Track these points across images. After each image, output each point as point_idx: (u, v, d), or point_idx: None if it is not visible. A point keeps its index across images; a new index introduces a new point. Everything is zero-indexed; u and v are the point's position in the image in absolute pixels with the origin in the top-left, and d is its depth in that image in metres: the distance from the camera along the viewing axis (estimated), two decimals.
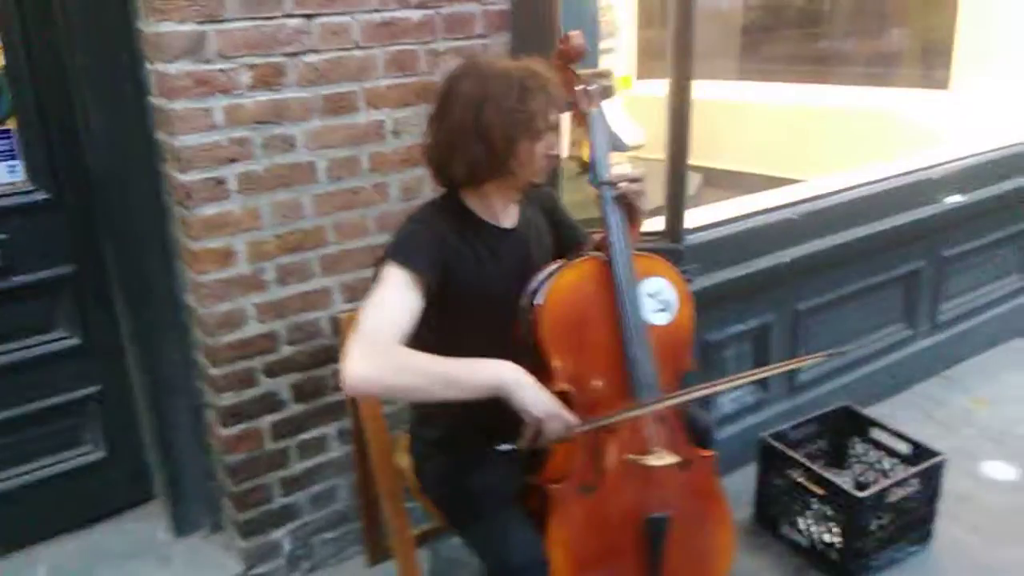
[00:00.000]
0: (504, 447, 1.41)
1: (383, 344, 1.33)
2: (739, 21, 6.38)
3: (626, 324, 1.48)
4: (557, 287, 1.47)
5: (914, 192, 2.91)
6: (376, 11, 1.84)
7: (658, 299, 1.54)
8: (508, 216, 1.57)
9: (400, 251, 1.43)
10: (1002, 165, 3.15)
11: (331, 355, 1.95)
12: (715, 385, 1.50)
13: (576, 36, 1.54)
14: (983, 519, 2.30)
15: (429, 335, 1.42)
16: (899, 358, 2.98)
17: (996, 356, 3.22)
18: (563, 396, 1.42)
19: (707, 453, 1.60)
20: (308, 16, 1.76)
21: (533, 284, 1.51)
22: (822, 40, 6.25)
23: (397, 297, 1.39)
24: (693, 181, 4.17)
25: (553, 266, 1.52)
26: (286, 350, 1.93)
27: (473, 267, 1.49)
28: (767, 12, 6.75)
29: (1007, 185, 3.13)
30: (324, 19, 1.78)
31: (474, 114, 1.41)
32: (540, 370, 1.42)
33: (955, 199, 2.98)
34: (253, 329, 1.87)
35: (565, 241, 1.68)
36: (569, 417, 1.38)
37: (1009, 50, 3.74)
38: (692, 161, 2.30)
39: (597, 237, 1.54)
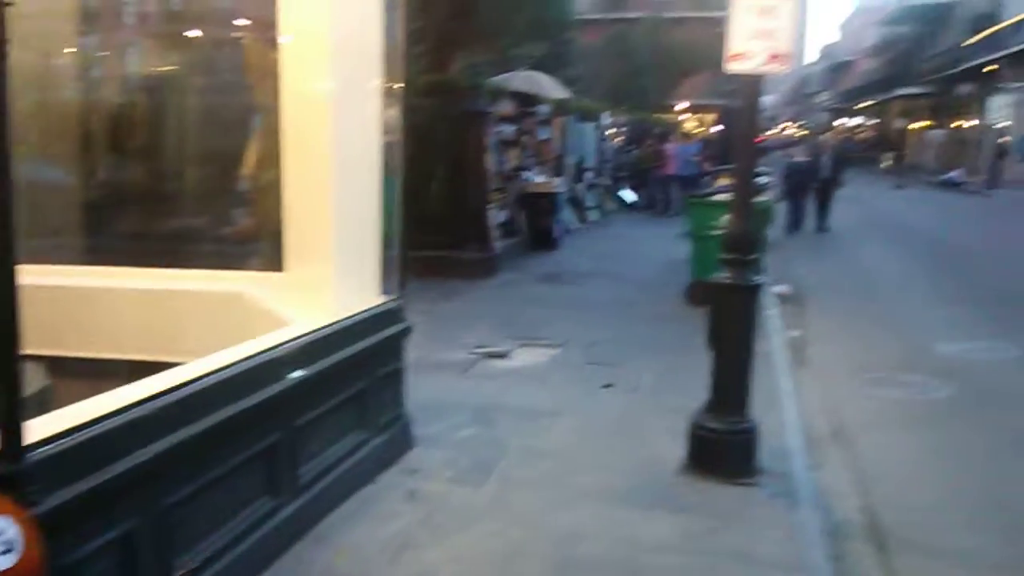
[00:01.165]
0: None
1: None
2: (78, 200, 6.15)
3: None
4: None
5: (265, 370, 3.19)
6: None
7: None
8: None
9: None
10: (333, 339, 3.69)
11: None
12: None
13: None
14: None
15: None
16: (270, 529, 3.15)
17: (348, 507, 3.64)
18: None
19: None
20: None
21: None
22: (169, 222, 6.41)
23: None
24: (36, 374, 3.79)
25: None
26: None
27: None
28: (110, 193, 6.63)
29: (339, 356, 3.67)
30: None
31: None
32: None
33: (299, 373, 3.36)
34: None
35: None
36: None
37: (326, 239, 4.44)
38: (38, 351, 2.10)
39: None
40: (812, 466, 4.27)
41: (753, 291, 4.09)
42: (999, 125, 27.48)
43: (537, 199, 11.73)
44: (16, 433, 2.06)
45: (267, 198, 4.73)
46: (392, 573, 3.09)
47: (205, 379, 2.89)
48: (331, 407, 3.66)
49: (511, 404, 5.03)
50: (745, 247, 4.06)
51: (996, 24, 29.90)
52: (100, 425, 2.39)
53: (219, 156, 5.65)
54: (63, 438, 2.25)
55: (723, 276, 4.05)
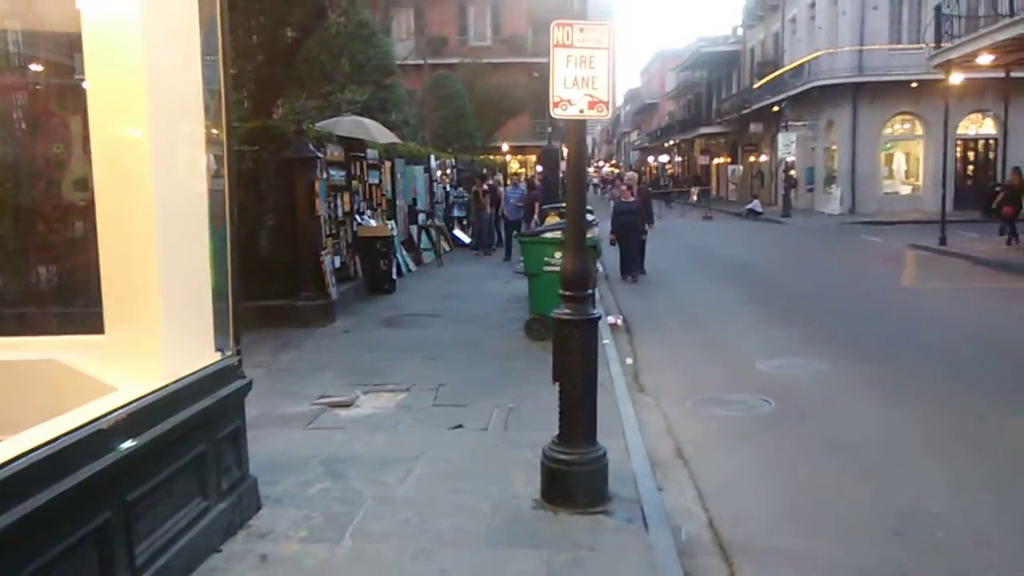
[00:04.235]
0: None
1: None
2: None
3: None
4: None
5: (91, 443, 2.92)
6: None
7: None
8: None
9: None
10: (165, 403, 3.44)
11: None
12: None
13: None
14: None
15: None
16: None
17: None
18: None
19: None
20: None
21: None
22: None
23: None
24: None
25: None
26: None
27: None
28: None
29: (172, 421, 3.42)
30: None
31: None
32: None
33: (129, 444, 3.10)
34: None
35: None
36: None
37: (151, 298, 4.16)
38: None
39: None
40: (658, 488, 4.46)
41: (592, 324, 4.25)
42: (788, 159, 30.46)
43: (371, 243, 11.61)
44: None
45: (78, 254, 4.40)
46: None
47: (23, 458, 2.60)
48: (167, 476, 3.40)
49: (361, 454, 4.90)
50: (582, 283, 4.22)
51: (777, 70, 33.35)
52: None
53: (19, 211, 5.20)
54: None
55: (563, 311, 4.19)
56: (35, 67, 5.04)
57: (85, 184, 3.85)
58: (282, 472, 4.47)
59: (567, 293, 4.19)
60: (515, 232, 15.36)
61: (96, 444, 2.94)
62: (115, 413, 3.14)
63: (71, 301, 5.35)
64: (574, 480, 4.14)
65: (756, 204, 30.28)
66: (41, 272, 5.64)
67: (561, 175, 15.91)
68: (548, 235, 8.50)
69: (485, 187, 18.22)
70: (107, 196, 3.64)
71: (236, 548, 3.67)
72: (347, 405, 5.97)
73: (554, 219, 10.50)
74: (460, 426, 5.44)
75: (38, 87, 5.13)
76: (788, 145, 30.06)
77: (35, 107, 5.12)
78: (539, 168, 25.28)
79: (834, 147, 29.78)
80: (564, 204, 6.06)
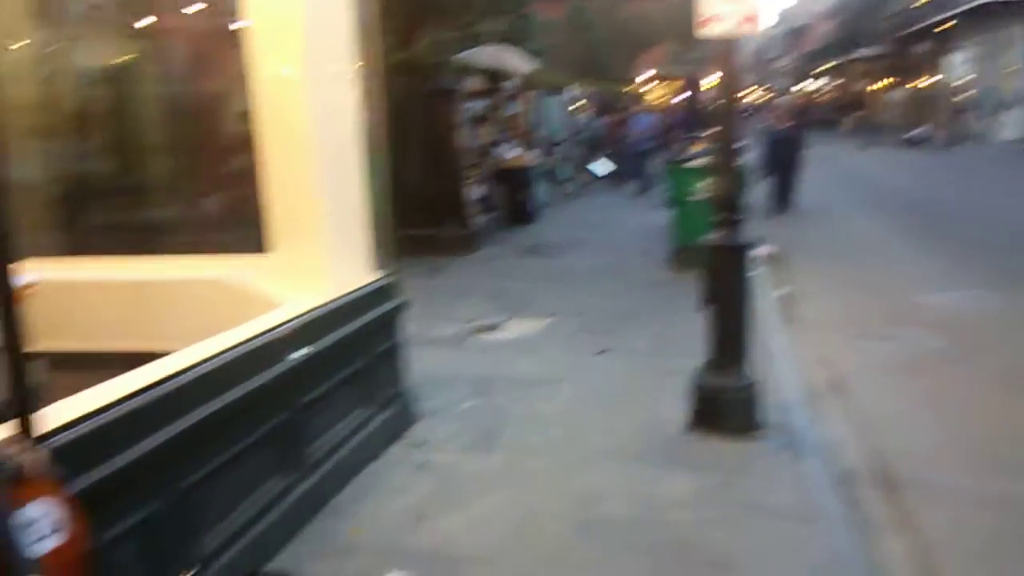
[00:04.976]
0: None
1: None
2: (45, 195, 5.99)
3: (11, 564, 1.27)
4: None
5: (265, 353, 3.13)
6: None
7: (42, 524, 1.35)
8: None
9: None
10: (331, 317, 3.63)
11: None
12: None
13: None
14: None
15: None
16: (285, 506, 3.11)
17: (360, 482, 3.61)
18: None
19: None
20: None
21: None
22: (142, 211, 6.27)
23: None
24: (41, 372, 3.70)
25: None
26: None
27: None
28: (75, 185, 6.49)
29: (339, 334, 3.61)
30: None
31: None
32: None
33: (301, 353, 3.31)
34: None
35: None
36: None
37: (311, 218, 4.37)
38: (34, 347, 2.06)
39: None
40: (814, 418, 4.32)
41: (744, 250, 4.10)
42: (956, 83, 27.88)
43: (512, 174, 11.67)
44: (31, 422, 2.01)
45: (241, 182, 4.65)
46: (413, 542, 3.06)
47: (208, 363, 2.83)
48: (334, 385, 3.62)
49: (509, 374, 5.02)
50: (733, 207, 4.07)
51: None
52: (112, 412, 2.34)
53: (188, 143, 5.55)
54: (76, 426, 2.20)
55: (715, 237, 4.06)
56: (197, 6, 5.30)
57: (246, 117, 4.04)
58: (435, 389, 4.65)
59: (719, 218, 4.05)
60: (647, 162, 14.98)
61: (273, 353, 3.16)
62: (289, 325, 3.35)
63: (235, 226, 5.72)
64: (725, 407, 4.06)
65: (920, 132, 27.98)
66: (207, 200, 6.05)
67: (705, 104, 15.29)
68: (694, 163, 8.22)
69: (622, 118, 17.80)
70: (269, 128, 3.81)
71: (395, 455, 3.88)
72: (494, 328, 6.11)
73: (699, 147, 10.13)
74: (606, 351, 5.45)
75: (200, 28, 5.40)
76: (957, 67, 27.43)
77: (198, 46, 5.41)
78: (681, 96, 24.43)
79: (1011, 69, 26.89)
80: (709, 132, 5.82)
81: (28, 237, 5.37)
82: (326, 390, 3.53)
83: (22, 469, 1.42)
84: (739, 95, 4.49)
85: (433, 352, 5.42)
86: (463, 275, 8.39)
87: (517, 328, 6.15)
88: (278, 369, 3.14)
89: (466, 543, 3.05)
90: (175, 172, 5.85)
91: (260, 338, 3.15)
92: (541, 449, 3.90)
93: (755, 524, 3.21)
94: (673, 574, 2.93)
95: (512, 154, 12.12)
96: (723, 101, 4.28)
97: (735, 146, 4.29)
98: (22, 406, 2.01)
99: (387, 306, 4.11)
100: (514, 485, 3.53)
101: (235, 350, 2.98)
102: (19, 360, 2.01)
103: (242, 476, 2.91)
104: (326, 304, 3.68)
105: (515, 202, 11.71)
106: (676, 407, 4.22)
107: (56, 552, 1.37)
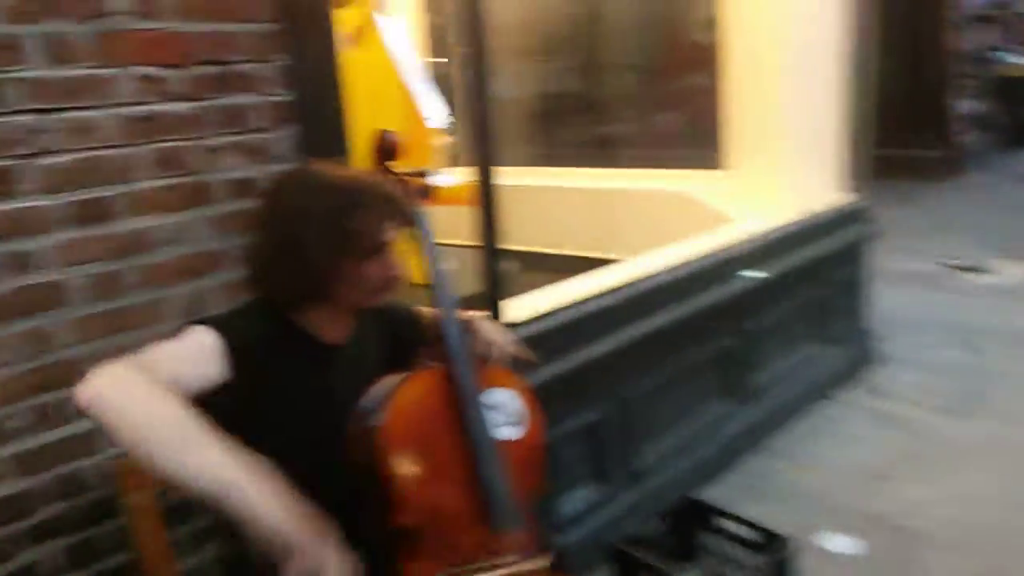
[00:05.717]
0: None
1: (144, 371, 1.08)
2: (525, 110, 6.55)
3: (477, 442, 1.31)
4: (398, 406, 1.28)
5: (717, 271, 2.97)
6: (133, 104, 1.56)
7: (506, 412, 1.37)
8: (336, 331, 1.36)
9: (213, 320, 1.24)
10: (789, 239, 3.32)
11: (107, 510, 1.59)
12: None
13: (390, 134, 1.43)
14: None
15: None
16: (723, 436, 2.97)
17: (807, 423, 3.31)
18: (410, 529, 1.24)
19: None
20: (42, 111, 1.45)
21: (367, 403, 1.30)
22: (601, 126, 6.53)
23: (193, 350, 1.18)
24: (510, 267, 4.12)
25: (388, 381, 1.33)
26: (49, 510, 1.54)
27: (291, 383, 1.29)
28: (549, 101, 7.00)
29: (795, 258, 3.29)
30: (65, 115, 1.48)
31: (291, 230, 1.24)
32: (380, 500, 1.24)
33: (754, 275, 3.07)
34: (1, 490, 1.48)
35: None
36: (328, 553, 1.03)
37: (776, 133, 4.04)
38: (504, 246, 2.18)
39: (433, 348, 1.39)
40: None
41: None
42: None
43: (1016, 85, 9.63)
44: (498, 313, 2.14)
45: (701, 97, 4.53)
46: (868, 504, 2.69)
47: (664, 275, 2.76)
48: (786, 313, 3.33)
49: (997, 327, 4.16)
50: None
51: None
52: (570, 312, 2.39)
53: (651, 58, 5.57)
54: (539, 321, 2.28)
55: None
56: None
57: (711, 25, 3.84)
58: (900, 331, 4.06)
59: None
60: None
61: (724, 272, 2.98)
62: (743, 245, 3.13)
63: (693, 142, 5.62)
64: None
65: None
66: (666, 115, 6.04)
67: None
68: None
69: None
70: (734, 36, 3.55)
71: (849, 400, 3.47)
72: (979, 271, 5.13)
73: None
74: None
75: None
76: None
77: None
78: None
79: None
80: None
81: (507, 147, 5.98)
82: (777, 317, 3.26)
83: (490, 348, 1.45)
84: None
85: (900, 290, 4.73)
86: (940, 204, 7.23)
87: (1009, 271, 5.08)
88: (729, 289, 2.96)
89: (935, 521, 2.57)
90: (638, 87, 5.95)
91: (714, 256, 2.99)
92: None
93: None
94: None
95: (1018, 61, 9.98)
96: None
97: None
98: (493, 296, 2.15)
99: (853, 233, 3.64)
100: (1003, 462, 2.89)
101: (690, 265, 2.87)
102: (492, 255, 2.14)
103: (681, 396, 2.82)
104: (786, 225, 3.37)
105: (1018, 120, 9.69)
106: None
107: (519, 442, 1.38)
